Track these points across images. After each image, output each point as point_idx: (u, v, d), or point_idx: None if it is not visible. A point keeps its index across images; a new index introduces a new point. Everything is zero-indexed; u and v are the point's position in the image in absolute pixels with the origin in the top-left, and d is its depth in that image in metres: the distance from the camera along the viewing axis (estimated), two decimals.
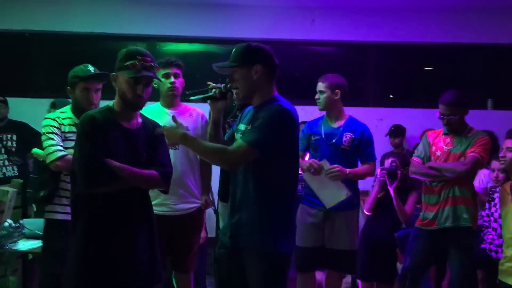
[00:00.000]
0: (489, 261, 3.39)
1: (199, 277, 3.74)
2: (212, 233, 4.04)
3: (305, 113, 4.95)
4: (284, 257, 2.23)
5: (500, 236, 3.35)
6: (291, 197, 2.25)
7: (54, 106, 3.66)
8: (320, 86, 3.38)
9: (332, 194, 3.24)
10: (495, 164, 3.71)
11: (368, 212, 3.77)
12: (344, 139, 3.35)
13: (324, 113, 3.51)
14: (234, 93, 2.29)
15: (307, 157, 3.50)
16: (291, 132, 2.20)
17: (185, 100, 3.28)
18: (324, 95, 3.37)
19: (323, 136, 3.38)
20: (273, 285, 2.20)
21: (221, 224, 3.40)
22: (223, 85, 2.34)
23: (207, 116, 3.19)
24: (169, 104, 3.17)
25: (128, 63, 2.19)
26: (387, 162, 3.74)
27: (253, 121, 2.20)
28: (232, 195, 2.29)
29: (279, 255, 2.20)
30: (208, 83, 2.44)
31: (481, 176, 4.14)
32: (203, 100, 2.36)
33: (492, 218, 3.51)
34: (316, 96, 3.40)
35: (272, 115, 2.13)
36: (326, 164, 3.23)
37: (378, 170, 3.67)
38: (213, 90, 2.35)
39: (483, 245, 3.48)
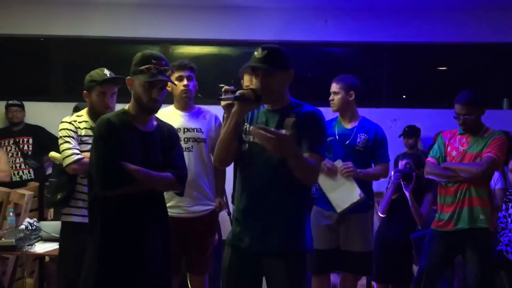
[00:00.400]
0: (506, 263, 3.35)
1: (215, 280, 3.74)
2: (225, 236, 4.04)
3: None
4: (307, 254, 2.32)
5: None
6: (310, 197, 2.40)
7: (77, 110, 3.69)
8: (334, 87, 3.38)
9: (345, 196, 3.20)
10: None
11: (382, 214, 3.75)
12: (358, 140, 3.34)
13: (337, 114, 3.50)
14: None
15: None
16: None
17: (197, 102, 3.31)
18: (338, 96, 3.36)
19: (337, 137, 3.37)
20: (303, 284, 2.28)
21: None
22: (251, 88, 2.27)
23: (220, 118, 3.20)
24: (183, 107, 3.18)
25: (143, 67, 2.21)
26: (401, 164, 3.71)
27: (299, 125, 2.16)
28: (252, 201, 2.26)
29: (306, 254, 2.29)
30: (221, 85, 2.44)
31: (495, 178, 4.09)
32: (235, 99, 2.24)
33: (509, 219, 3.47)
34: (330, 97, 3.40)
35: (321, 120, 2.28)
36: (340, 164, 3.21)
37: (391, 172, 3.64)
38: (244, 91, 2.26)
39: (499, 247, 3.44)
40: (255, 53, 2.25)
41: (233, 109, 2.23)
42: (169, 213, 2.43)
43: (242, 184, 2.31)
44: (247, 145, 2.28)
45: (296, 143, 2.14)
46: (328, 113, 3.77)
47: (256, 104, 2.23)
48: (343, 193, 3.20)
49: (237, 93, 2.22)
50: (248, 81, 2.98)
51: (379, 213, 3.78)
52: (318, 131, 2.24)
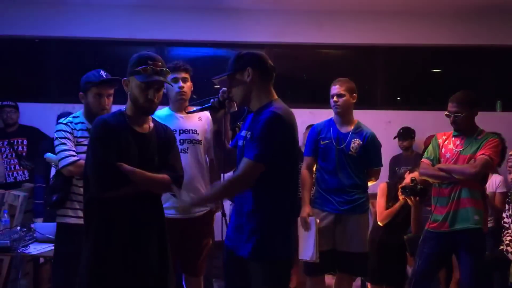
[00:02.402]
0: (506, 263, 3.36)
1: (205, 280, 3.75)
2: (218, 237, 4.05)
3: (313, 116, 4.99)
4: (285, 264, 2.23)
5: None
6: (291, 202, 2.27)
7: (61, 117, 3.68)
8: (339, 89, 3.39)
9: (304, 249, 3.33)
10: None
11: (382, 224, 3.74)
12: (352, 145, 3.37)
13: (331, 116, 3.52)
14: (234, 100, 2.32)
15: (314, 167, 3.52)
16: (288, 138, 2.19)
17: (193, 104, 3.31)
18: (344, 98, 3.38)
19: (334, 141, 3.39)
20: None
21: None
22: (219, 95, 2.35)
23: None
24: (178, 108, 3.18)
25: (139, 68, 2.22)
26: (407, 178, 3.67)
27: (252, 127, 2.21)
28: (234, 206, 2.31)
29: (281, 262, 2.20)
30: (217, 87, 2.47)
31: (492, 181, 4.12)
32: (203, 110, 2.42)
33: (511, 220, 3.49)
34: (335, 99, 3.40)
35: (268, 125, 2.12)
36: (313, 221, 3.32)
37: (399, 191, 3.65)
38: (211, 100, 2.37)
39: (501, 247, 3.45)
40: None
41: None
42: (165, 214, 2.43)
43: None
44: (237, 150, 2.33)
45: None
46: (322, 115, 3.81)
47: (221, 111, 2.34)
48: (305, 246, 3.32)
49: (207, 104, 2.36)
50: None
51: (378, 222, 3.78)
52: (258, 136, 2.14)
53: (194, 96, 3.29)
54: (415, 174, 3.58)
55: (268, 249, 2.17)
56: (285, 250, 2.20)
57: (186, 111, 2.58)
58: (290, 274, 2.31)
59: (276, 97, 2.29)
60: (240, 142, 2.31)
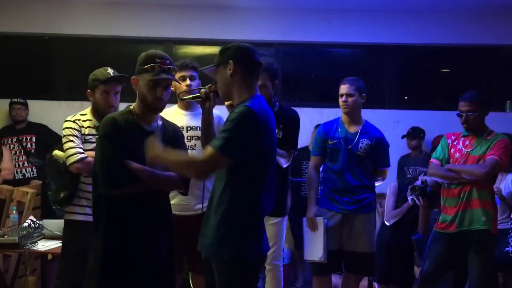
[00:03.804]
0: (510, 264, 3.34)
1: None
2: None
3: (320, 115, 4.98)
4: (251, 265, 2.13)
5: None
6: (259, 202, 2.13)
7: None
8: (348, 88, 3.36)
9: (313, 250, 3.33)
10: None
11: (389, 223, 3.73)
12: (360, 145, 3.35)
13: (340, 115, 3.50)
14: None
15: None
16: (257, 134, 2.07)
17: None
18: (353, 98, 3.36)
19: (342, 141, 3.37)
20: None
21: None
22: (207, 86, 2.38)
23: (224, 117, 3.20)
24: (186, 107, 3.19)
25: (147, 66, 2.23)
26: (419, 179, 3.65)
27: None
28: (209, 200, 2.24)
29: (244, 263, 2.11)
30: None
31: (508, 181, 4.08)
32: (193, 99, 2.50)
33: None
34: (343, 99, 3.38)
35: (237, 118, 2.05)
36: (321, 222, 3.31)
37: (409, 195, 3.63)
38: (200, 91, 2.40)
39: (506, 248, 3.42)
40: None
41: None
42: (172, 211, 2.43)
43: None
44: None
45: None
46: (331, 114, 3.80)
47: (208, 102, 2.36)
48: (313, 247, 3.32)
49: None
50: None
51: (385, 222, 3.77)
52: (225, 127, 2.08)
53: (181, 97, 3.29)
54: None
55: (233, 251, 2.08)
56: (253, 251, 2.11)
57: (181, 97, 2.66)
58: (256, 276, 2.21)
59: (258, 93, 2.21)
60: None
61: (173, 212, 2.48)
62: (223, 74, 2.21)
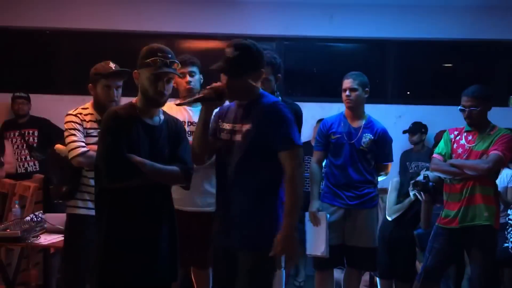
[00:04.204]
0: (511, 260, 3.34)
1: None
2: None
3: (322, 109, 4.97)
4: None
5: None
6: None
7: None
8: (352, 83, 3.35)
9: (315, 244, 3.33)
10: None
11: (391, 218, 3.73)
12: (363, 140, 3.34)
13: (342, 110, 3.49)
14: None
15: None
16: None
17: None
18: (356, 93, 3.35)
19: (345, 136, 3.37)
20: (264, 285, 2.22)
21: None
22: (212, 87, 2.29)
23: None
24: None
25: (149, 60, 2.21)
26: (421, 174, 3.65)
27: (247, 121, 2.20)
28: (222, 199, 2.29)
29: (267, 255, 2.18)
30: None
31: (503, 176, 4.08)
32: (199, 101, 2.31)
33: None
34: (347, 93, 3.37)
35: (289, 113, 2.23)
36: (324, 217, 3.31)
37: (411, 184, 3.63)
38: (205, 92, 2.29)
39: (506, 244, 3.42)
40: (227, 50, 2.24)
41: (201, 108, 2.30)
42: (174, 206, 2.43)
43: (216, 181, 2.36)
44: (219, 143, 2.32)
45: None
46: (332, 109, 3.78)
47: (219, 102, 2.28)
48: (315, 241, 3.31)
49: (200, 94, 2.29)
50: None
51: (387, 217, 3.76)
52: (286, 124, 2.19)
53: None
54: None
55: (264, 240, 2.17)
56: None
57: (183, 102, 2.54)
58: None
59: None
60: (227, 136, 2.28)
61: (176, 207, 2.48)
62: (249, 80, 2.24)
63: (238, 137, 2.24)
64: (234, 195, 2.23)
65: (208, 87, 2.27)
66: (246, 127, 2.23)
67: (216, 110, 2.39)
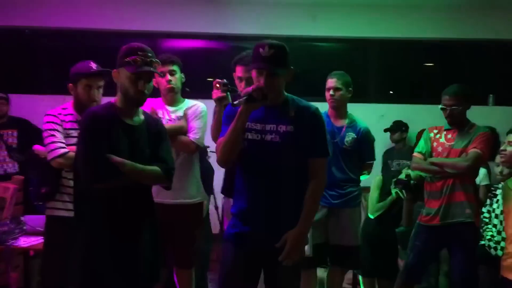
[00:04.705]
0: (489, 258, 3.38)
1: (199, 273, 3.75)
2: (215, 230, 4.09)
3: None
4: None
5: (499, 232, 3.35)
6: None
7: None
8: (336, 83, 3.37)
9: None
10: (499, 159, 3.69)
11: (373, 216, 3.75)
12: (347, 139, 3.36)
13: (324, 109, 3.50)
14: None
15: None
16: None
17: (186, 96, 3.29)
18: (340, 93, 3.37)
19: (328, 135, 3.37)
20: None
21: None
22: (257, 87, 2.24)
23: (206, 109, 3.18)
24: (170, 102, 3.17)
25: (128, 58, 2.19)
26: (402, 173, 3.68)
27: (285, 122, 2.22)
28: (255, 199, 2.26)
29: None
30: (209, 79, 2.43)
31: (481, 175, 4.13)
32: (246, 102, 2.21)
33: (492, 215, 3.51)
34: (331, 92, 3.38)
35: (322, 121, 2.34)
36: None
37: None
38: (253, 92, 2.22)
39: (482, 242, 3.47)
40: (261, 50, 2.21)
41: (240, 110, 2.20)
42: (155, 200, 2.41)
43: (244, 182, 2.31)
44: (245, 143, 2.27)
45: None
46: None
47: (262, 103, 2.22)
48: None
49: (245, 93, 2.19)
50: (241, 72, 2.96)
51: (369, 215, 3.79)
52: (322, 133, 2.32)
53: (187, 89, 3.27)
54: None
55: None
56: None
57: (233, 106, 2.31)
58: None
59: None
60: (256, 136, 2.25)
61: (157, 201, 2.46)
62: (286, 79, 2.28)
63: (274, 138, 2.23)
64: (275, 195, 2.23)
65: (253, 87, 2.20)
66: (284, 128, 2.23)
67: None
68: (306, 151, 2.25)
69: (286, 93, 2.33)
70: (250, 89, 2.20)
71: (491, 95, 5.72)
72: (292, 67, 2.28)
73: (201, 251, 3.95)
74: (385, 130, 5.32)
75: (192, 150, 3.11)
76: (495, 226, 3.45)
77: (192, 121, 3.10)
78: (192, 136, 3.06)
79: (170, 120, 3.10)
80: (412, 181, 3.48)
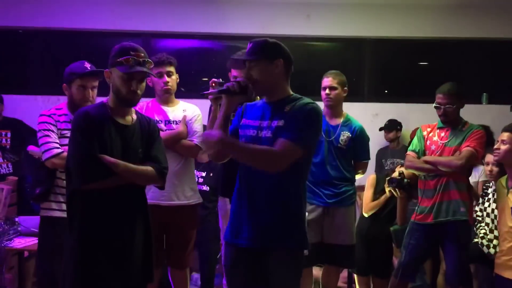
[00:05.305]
0: (481, 256, 3.40)
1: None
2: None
3: None
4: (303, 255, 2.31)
5: (492, 231, 3.37)
6: (306, 192, 2.34)
7: None
8: (331, 81, 3.38)
9: None
10: (489, 157, 3.72)
11: (367, 215, 3.76)
12: (341, 138, 3.37)
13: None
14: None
15: None
16: (319, 133, 2.30)
17: (179, 96, 3.30)
18: (336, 91, 3.38)
19: (323, 133, 3.39)
20: (297, 282, 2.27)
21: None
22: (237, 80, 2.27)
23: (200, 112, 3.20)
24: (165, 102, 3.17)
25: (121, 58, 2.18)
26: (396, 171, 3.68)
27: (278, 117, 2.18)
28: (249, 198, 2.23)
29: (303, 252, 2.29)
30: (204, 79, 2.43)
31: (474, 170, 4.15)
32: (219, 93, 2.28)
33: (485, 213, 3.52)
34: (327, 91, 3.39)
35: (312, 116, 2.18)
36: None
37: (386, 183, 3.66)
38: (227, 85, 2.25)
39: (476, 240, 3.48)
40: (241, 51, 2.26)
41: (221, 103, 2.24)
42: (149, 201, 2.41)
43: (240, 180, 2.28)
44: (243, 139, 2.27)
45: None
46: None
47: (242, 96, 2.22)
48: None
49: (223, 86, 2.23)
50: (237, 72, 2.97)
51: (363, 213, 3.80)
52: (301, 122, 2.15)
53: (182, 89, 3.27)
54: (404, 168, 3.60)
55: (299, 240, 2.23)
56: (305, 238, 2.27)
57: (206, 92, 2.42)
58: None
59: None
60: (252, 132, 2.25)
61: (150, 202, 2.46)
62: (268, 70, 2.21)
63: (267, 133, 2.20)
64: (263, 194, 2.20)
65: (232, 81, 2.24)
66: (276, 123, 2.19)
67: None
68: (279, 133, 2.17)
69: (292, 92, 2.29)
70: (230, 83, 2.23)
71: (484, 93, 5.74)
72: (280, 59, 2.21)
73: (209, 251, 3.97)
74: (381, 129, 5.33)
75: (196, 154, 3.14)
76: (487, 224, 3.47)
77: (193, 125, 3.12)
78: (196, 140, 3.07)
79: (169, 121, 3.10)
80: (405, 180, 3.50)
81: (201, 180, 4.04)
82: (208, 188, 4.02)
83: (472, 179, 4.04)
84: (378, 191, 3.76)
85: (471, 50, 5.77)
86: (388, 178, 3.62)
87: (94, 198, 2.16)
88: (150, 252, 2.31)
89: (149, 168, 2.24)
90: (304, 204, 2.31)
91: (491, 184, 3.53)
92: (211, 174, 4.03)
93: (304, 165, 2.23)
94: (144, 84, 2.27)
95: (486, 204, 3.52)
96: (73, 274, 2.16)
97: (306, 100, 2.23)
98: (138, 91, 2.22)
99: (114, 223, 2.19)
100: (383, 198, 3.69)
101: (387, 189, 3.66)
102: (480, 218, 3.55)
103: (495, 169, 3.60)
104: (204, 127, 3.20)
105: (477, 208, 3.60)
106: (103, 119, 2.20)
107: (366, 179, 3.96)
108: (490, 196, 3.47)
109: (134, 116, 2.32)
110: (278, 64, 2.21)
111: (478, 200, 3.62)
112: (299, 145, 2.11)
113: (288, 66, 2.26)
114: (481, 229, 3.49)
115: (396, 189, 3.52)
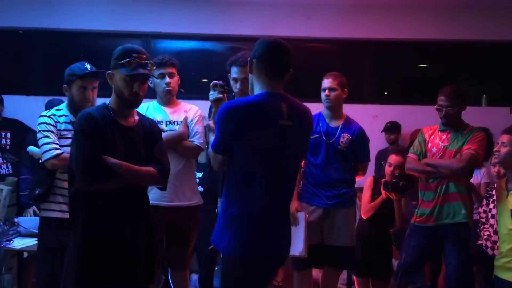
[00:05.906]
0: (485, 258, 3.40)
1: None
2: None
3: None
4: (235, 262, 2.08)
5: (496, 232, 3.37)
6: (251, 195, 2.08)
7: (50, 106, 3.64)
8: (331, 83, 3.37)
9: (293, 245, 3.29)
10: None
11: (365, 217, 3.77)
12: (342, 139, 3.37)
13: (319, 110, 3.51)
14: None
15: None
16: (239, 127, 2.04)
17: (180, 97, 3.30)
18: (335, 93, 3.37)
19: (323, 135, 3.39)
20: None
21: None
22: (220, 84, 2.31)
23: (203, 113, 3.21)
24: (166, 103, 3.18)
25: (123, 61, 2.19)
26: (387, 168, 3.68)
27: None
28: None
29: (230, 259, 2.10)
30: (204, 80, 2.44)
31: (476, 172, 4.16)
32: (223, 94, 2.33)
33: (489, 214, 3.52)
34: (326, 93, 3.39)
35: (218, 115, 2.09)
36: (302, 217, 3.30)
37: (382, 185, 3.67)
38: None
39: (479, 241, 3.48)
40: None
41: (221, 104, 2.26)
42: (151, 202, 2.41)
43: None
44: None
45: None
46: (309, 108, 3.78)
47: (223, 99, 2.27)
48: (294, 242, 3.26)
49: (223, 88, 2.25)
50: (236, 73, 2.99)
51: (362, 215, 3.80)
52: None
53: (182, 90, 3.27)
54: (398, 158, 3.59)
55: (224, 245, 2.10)
56: (239, 247, 2.07)
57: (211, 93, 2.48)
58: (245, 275, 2.10)
59: (267, 91, 2.14)
60: None
61: (153, 203, 2.46)
62: (249, 70, 2.22)
63: None
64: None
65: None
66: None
67: None
68: None
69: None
70: None
71: (484, 95, 5.75)
72: (253, 59, 2.17)
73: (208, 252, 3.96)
74: (382, 131, 5.34)
75: (197, 155, 3.14)
76: (491, 225, 3.46)
77: (194, 126, 3.12)
78: (197, 141, 3.08)
79: (170, 122, 3.10)
80: (401, 182, 3.50)
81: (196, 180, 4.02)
82: (203, 189, 4.01)
83: (474, 181, 4.06)
84: (376, 192, 3.77)
85: (471, 52, 5.78)
86: (384, 181, 3.63)
87: (96, 199, 2.17)
88: (152, 252, 2.31)
89: (151, 169, 2.25)
90: (239, 205, 2.09)
91: (495, 185, 3.52)
92: (206, 175, 4.02)
93: (234, 169, 2.11)
94: (146, 85, 2.29)
95: (491, 205, 3.52)
96: (76, 275, 2.16)
97: (301, 104, 2.26)
98: (141, 93, 2.23)
99: (116, 223, 2.19)
100: (379, 199, 3.69)
101: (383, 192, 3.66)
102: (484, 220, 3.55)
103: (502, 170, 3.60)
104: (205, 128, 3.21)
105: (481, 210, 3.60)
106: (106, 121, 2.21)
107: (364, 181, 3.97)
108: (495, 197, 3.47)
109: (136, 118, 2.33)
110: (250, 65, 2.20)
111: (480, 202, 3.62)
112: (214, 151, 2.13)
113: (264, 67, 2.16)
114: (485, 231, 3.49)
115: (392, 193, 3.53)
